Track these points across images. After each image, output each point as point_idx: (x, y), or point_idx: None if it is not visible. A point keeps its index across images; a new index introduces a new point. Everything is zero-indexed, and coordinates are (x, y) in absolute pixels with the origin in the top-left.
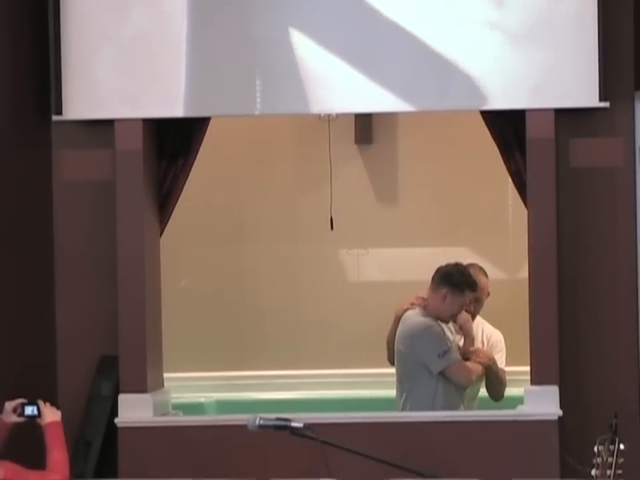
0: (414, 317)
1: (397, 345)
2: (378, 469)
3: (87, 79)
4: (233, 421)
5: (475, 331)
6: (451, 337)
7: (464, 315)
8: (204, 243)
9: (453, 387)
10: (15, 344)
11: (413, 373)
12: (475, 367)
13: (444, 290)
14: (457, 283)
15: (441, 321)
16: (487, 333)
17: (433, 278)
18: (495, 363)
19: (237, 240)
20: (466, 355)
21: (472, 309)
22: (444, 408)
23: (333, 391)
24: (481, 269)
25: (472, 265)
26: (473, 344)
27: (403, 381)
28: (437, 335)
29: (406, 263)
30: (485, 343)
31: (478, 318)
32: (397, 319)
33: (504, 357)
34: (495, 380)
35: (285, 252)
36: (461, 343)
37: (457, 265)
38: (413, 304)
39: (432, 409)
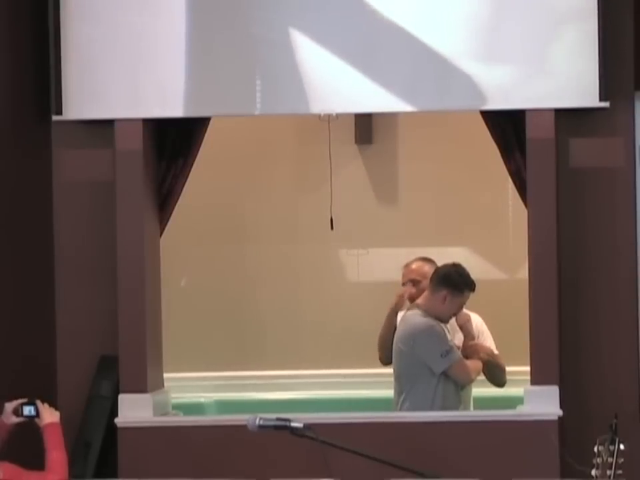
0: (415, 317)
1: (398, 344)
2: (378, 468)
3: (87, 79)
4: (233, 421)
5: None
6: (449, 337)
7: (464, 315)
8: (204, 243)
9: (453, 387)
10: (14, 344)
11: (414, 373)
12: (475, 365)
13: (443, 291)
14: (457, 284)
15: (440, 321)
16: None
17: (431, 279)
18: (493, 355)
19: (237, 240)
20: (465, 352)
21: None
22: (443, 408)
23: (332, 391)
24: (427, 259)
25: (420, 258)
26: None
27: (402, 380)
28: (439, 335)
29: (405, 263)
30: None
31: None
32: (391, 314)
33: (492, 340)
34: (496, 370)
35: (285, 252)
36: (459, 342)
37: (455, 266)
38: (401, 296)
39: (431, 408)
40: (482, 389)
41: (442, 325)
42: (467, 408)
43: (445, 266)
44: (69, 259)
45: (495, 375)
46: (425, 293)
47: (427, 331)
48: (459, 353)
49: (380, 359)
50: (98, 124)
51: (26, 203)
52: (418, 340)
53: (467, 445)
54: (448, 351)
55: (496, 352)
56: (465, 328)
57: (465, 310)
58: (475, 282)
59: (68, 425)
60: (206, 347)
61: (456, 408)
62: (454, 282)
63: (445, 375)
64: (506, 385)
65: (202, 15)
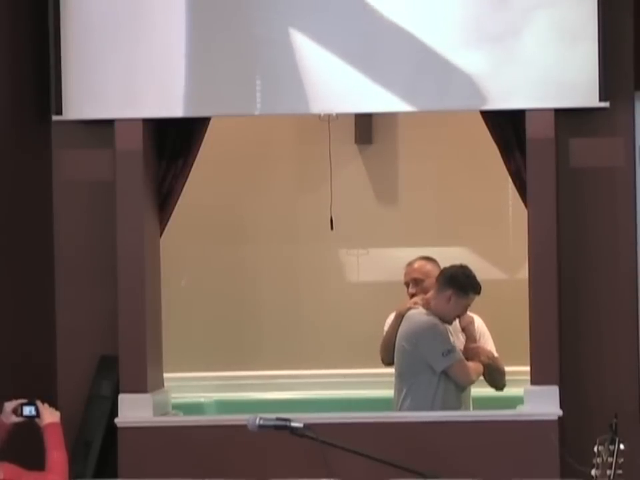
0: (419, 315)
1: (400, 342)
2: (378, 468)
3: (87, 79)
4: (233, 421)
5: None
6: (451, 338)
7: (467, 317)
8: (204, 243)
9: (453, 387)
10: (14, 344)
11: (416, 371)
12: (476, 367)
13: (449, 292)
14: (462, 286)
15: (444, 321)
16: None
17: (437, 279)
18: (494, 358)
19: (237, 240)
20: (466, 354)
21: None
22: (443, 407)
23: (332, 391)
24: (429, 258)
25: (422, 257)
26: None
27: (403, 378)
28: (441, 334)
29: (406, 263)
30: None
31: None
32: (399, 316)
33: (492, 343)
34: (496, 374)
35: (284, 252)
36: (461, 344)
37: (462, 267)
38: (416, 303)
39: (431, 407)
40: (482, 389)
41: (445, 325)
42: (467, 409)
43: (453, 267)
44: (69, 259)
45: (495, 378)
46: (431, 293)
47: (430, 329)
48: (460, 354)
49: (382, 360)
50: (98, 124)
51: (26, 203)
52: (421, 338)
53: (467, 444)
54: (450, 350)
55: (496, 355)
56: (468, 330)
57: (468, 312)
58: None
59: (68, 425)
60: (206, 347)
61: (457, 408)
62: (460, 283)
63: (446, 374)
64: (506, 385)
65: (202, 15)
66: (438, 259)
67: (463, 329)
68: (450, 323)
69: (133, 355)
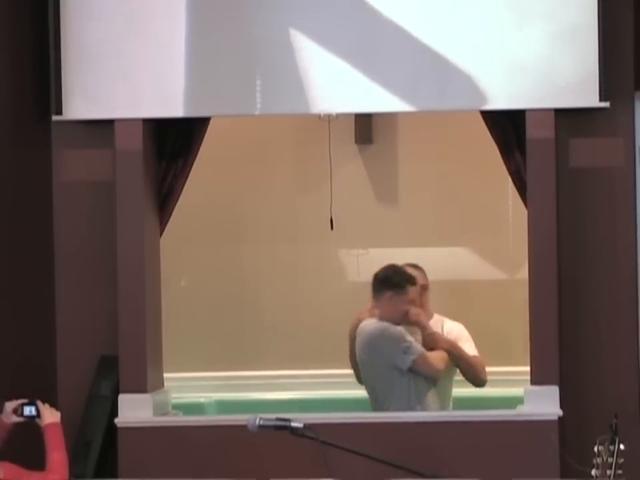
0: (369, 325)
1: (360, 357)
2: (378, 469)
3: (87, 79)
4: (233, 421)
5: (435, 328)
6: (409, 337)
7: (414, 310)
8: (204, 242)
9: (424, 382)
10: (15, 344)
11: (382, 378)
12: (440, 354)
13: (388, 293)
14: (397, 282)
15: (395, 323)
16: (446, 328)
17: (373, 286)
18: (453, 346)
19: (237, 240)
20: (426, 344)
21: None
22: (421, 406)
23: (333, 391)
24: (415, 266)
25: (408, 265)
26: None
27: (375, 389)
28: (395, 335)
29: (406, 262)
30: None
31: (437, 316)
32: (352, 335)
33: (473, 345)
34: (461, 363)
35: (285, 252)
36: (420, 339)
37: (391, 266)
38: (362, 314)
39: (410, 409)
40: (482, 389)
41: (399, 327)
42: (444, 407)
43: (381, 270)
44: (69, 258)
45: (461, 368)
46: (371, 303)
47: (382, 335)
48: (420, 347)
49: (357, 380)
50: (98, 124)
51: (26, 203)
52: (377, 344)
53: (467, 444)
54: (408, 346)
55: (476, 353)
56: (420, 322)
57: (449, 320)
58: (414, 276)
59: (68, 425)
60: (206, 347)
61: (433, 404)
62: (394, 281)
63: (414, 372)
64: (486, 382)
65: (202, 15)
66: (438, 259)
67: (415, 323)
68: (399, 322)
69: (133, 355)
